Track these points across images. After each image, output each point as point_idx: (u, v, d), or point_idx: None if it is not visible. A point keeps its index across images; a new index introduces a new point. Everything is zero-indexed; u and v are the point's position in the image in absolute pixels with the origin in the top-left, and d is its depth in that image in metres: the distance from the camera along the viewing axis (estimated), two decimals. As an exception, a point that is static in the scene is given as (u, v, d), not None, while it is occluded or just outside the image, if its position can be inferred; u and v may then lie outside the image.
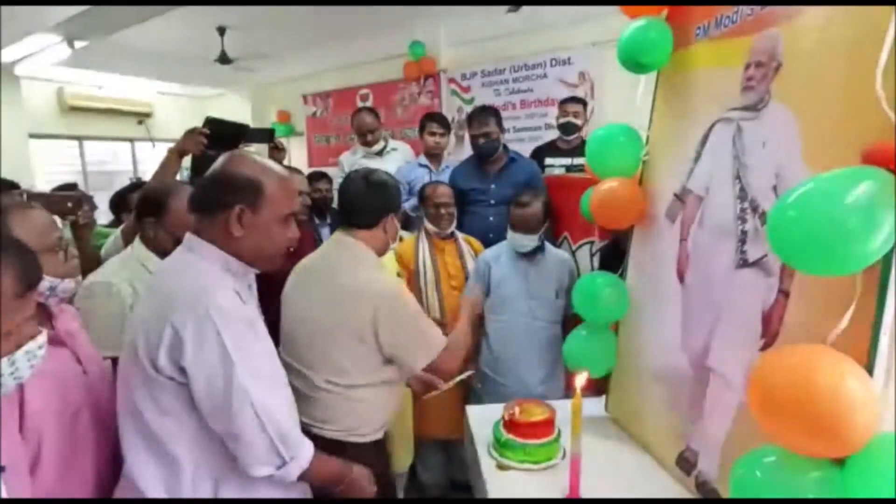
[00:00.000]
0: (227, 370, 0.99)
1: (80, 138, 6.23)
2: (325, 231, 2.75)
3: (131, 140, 6.78)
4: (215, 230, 1.08)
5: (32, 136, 5.28)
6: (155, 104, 6.86)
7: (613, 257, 2.04)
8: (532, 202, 2.10)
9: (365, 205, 1.45)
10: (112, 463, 1.23)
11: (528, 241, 2.09)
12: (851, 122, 0.82)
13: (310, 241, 2.28)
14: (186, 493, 1.03)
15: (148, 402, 1.02)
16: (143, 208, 1.59)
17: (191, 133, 1.89)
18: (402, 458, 2.17)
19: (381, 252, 1.49)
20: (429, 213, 2.31)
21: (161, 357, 0.98)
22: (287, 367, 1.36)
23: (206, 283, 1.02)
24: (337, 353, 1.37)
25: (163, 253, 1.41)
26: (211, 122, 1.90)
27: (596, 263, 2.27)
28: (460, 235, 2.42)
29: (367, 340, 1.36)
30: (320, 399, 1.39)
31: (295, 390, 1.28)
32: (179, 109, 7.13)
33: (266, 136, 2.11)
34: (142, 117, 6.70)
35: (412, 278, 2.30)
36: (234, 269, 1.10)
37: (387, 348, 1.37)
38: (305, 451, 1.10)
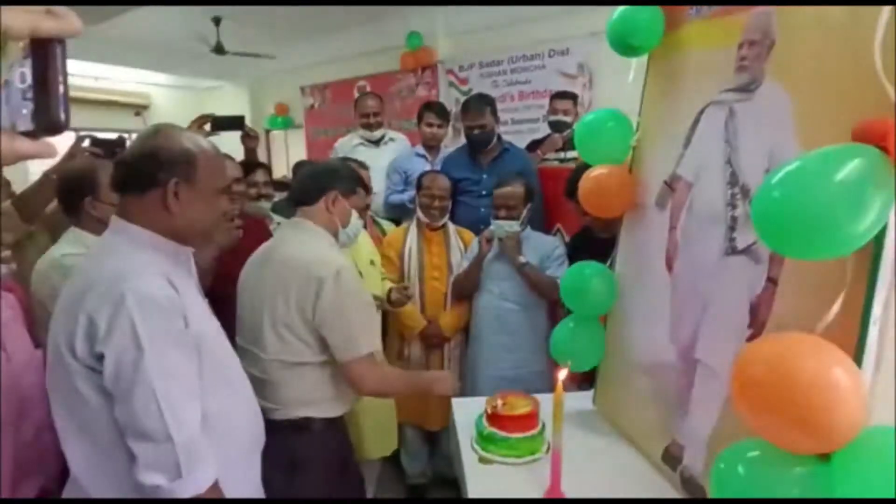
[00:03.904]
0: (135, 357, 0.91)
1: (76, 129, 6.16)
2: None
3: (128, 132, 6.75)
4: (146, 209, 1.03)
5: (28, 126, 5.27)
6: (152, 96, 6.84)
7: (581, 250, 1.97)
8: (512, 182, 2.10)
9: (306, 182, 1.52)
10: (33, 448, 1.23)
11: (509, 227, 2.06)
12: (847, 100, 0.78)
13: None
14: (130, 488, 0.97)
15: (73, 394, 0.96)
16: (80, 190, 1.56)
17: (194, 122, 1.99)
18: (378, 445, 2.07)
19: (331, 232, 1.50)
20: (422, 203, 2.28)
21: (78, 346, 0.93)
22: (243, 352, 1.35)
23: (128, 268, 0.97)
24: (285, 330, 1.38)
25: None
26: (213, 117, 2.06)
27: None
28: (453, 228, 2.38)
29: (308, 314, 1.36)
30: (272, 380, 1.39)
31: (251, 377, 1.25)
32: (177, 101, 7.10)
33: (237, 123, 2.08)
34: (139, 109, 6.69)
35: (398, 264, 2.30)
36: (164, 248, 1.05)
37: (317, 321, 1.36)
38: (207, 472, 0.97)
